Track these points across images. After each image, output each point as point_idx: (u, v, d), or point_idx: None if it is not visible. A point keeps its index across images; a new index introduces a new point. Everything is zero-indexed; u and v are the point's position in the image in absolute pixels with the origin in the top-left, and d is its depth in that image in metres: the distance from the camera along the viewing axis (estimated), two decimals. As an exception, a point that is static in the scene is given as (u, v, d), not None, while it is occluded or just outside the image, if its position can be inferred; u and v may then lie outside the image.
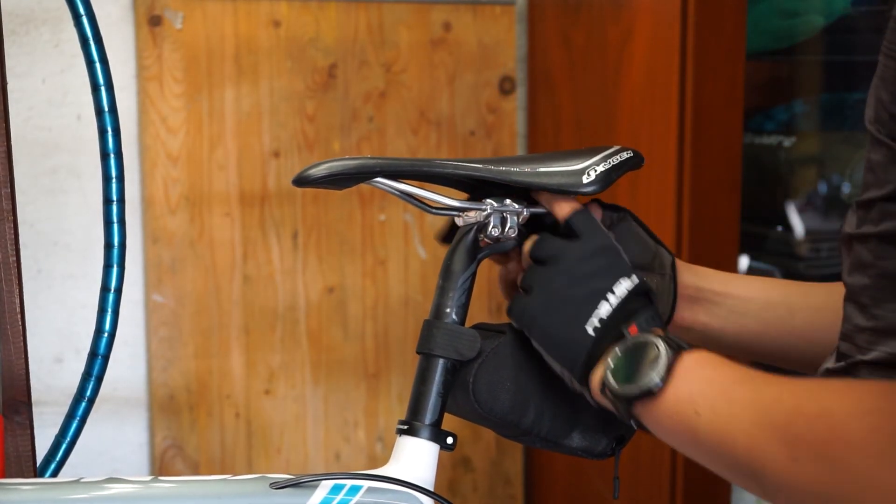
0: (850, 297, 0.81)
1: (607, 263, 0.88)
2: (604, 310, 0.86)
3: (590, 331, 0.86)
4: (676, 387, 0.78)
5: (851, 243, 0.81)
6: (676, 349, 0.80)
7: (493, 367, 0.93)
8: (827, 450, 0.66)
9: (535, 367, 0.94)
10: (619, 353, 0.83)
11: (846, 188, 1.93)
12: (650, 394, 0.79)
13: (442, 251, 0.98)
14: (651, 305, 0.87)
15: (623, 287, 0.87)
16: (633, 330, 0.85)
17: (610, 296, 0.86)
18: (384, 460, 0.93)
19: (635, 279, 0.88)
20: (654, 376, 0.79)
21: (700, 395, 0.76)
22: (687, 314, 1.00)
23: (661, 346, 0.80)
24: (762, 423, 0.71)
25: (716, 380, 0.77)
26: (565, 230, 0.92)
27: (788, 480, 0.70)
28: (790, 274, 1.95)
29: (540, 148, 2.03)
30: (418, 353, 0.95)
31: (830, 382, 0.71)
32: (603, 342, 0.85)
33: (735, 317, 1.00)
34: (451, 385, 0.94)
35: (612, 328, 0.86)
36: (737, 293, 1.01)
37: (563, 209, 0.93)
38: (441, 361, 0.93)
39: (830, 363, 0.83)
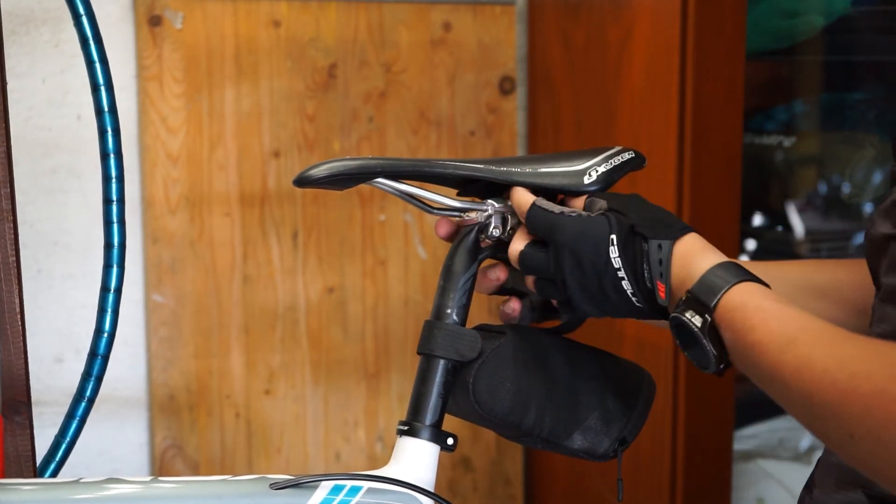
0: (890, 298, 0.80)
1: (590, 247, 0.86)
2: (628, 287, 0.85)
3: (638, 304, 0.86)
4: (734, 355, 0.78)
5: (889, 244, 0.80)
6: (709, 315, 0.78)
7: (494, 368, 0.93)
8: (883, 432, 0.65)
9: (537, 368, 0.94)
10: (674, 334, 0.82)
11: (846, 188, 1.93)
12: (717, 364, 0.79)
13: (442, 251, 0.98)
14: (644, 240, 0.85)
15: (615, 255, 0.85)
16: (660, 289, 0.83)
17: (620, 273, 0.85)
18: (384, 460, 0.93)
19: (612, 235, 0.86)
20: (708, 361, 0.79)
21: (753, 366, 0.76)
22: None
23: (695, 327, 0.78)
24: (814, 398, 0.69)
25: (759, 344, 0.74)
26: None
27: (845, 453, 0.69)
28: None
29: (540, 148, 2.03)
30: (419, 353, 0.95)
31: (883, 354, 0.68)
32: (653, 302, 0.85)
33: None
34: (452, 386, 0.93)
35: (645, 287, 0.85)
36: None
37: (521, 208, 0.92)
38: (442, 362, 0.93)
39: None
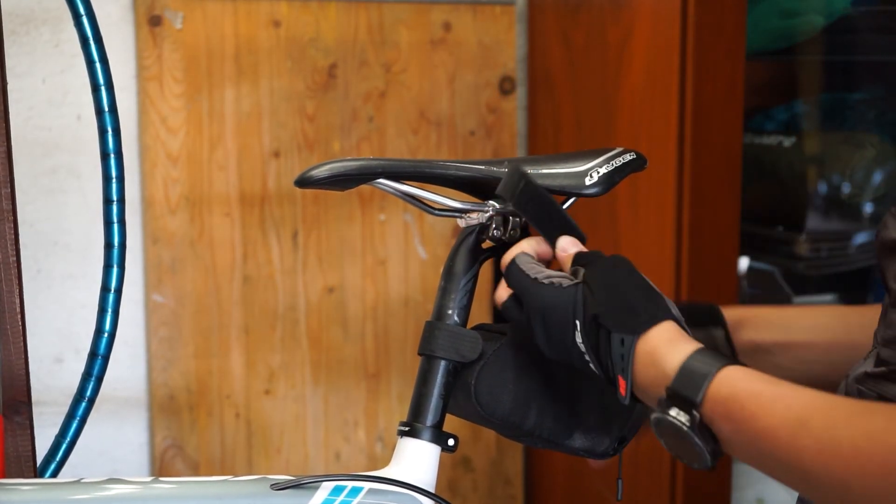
0: (894, 304, 0.79)
1: (558, 322, 0.83)
2: (596, 370, 0.82)
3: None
4: (733, 446, 0.72)
5: (889, 250, 0.80)
6: (696, 411, 0.72)
7: (495, 369, 0.93)
8: None
9: (537, 369, 0.94)
10: (657, 434, 0.76)
11: (846, 188, 1.92)
12: (712, 458, 0.73)
13: (442, 251, 0.98)
14: (607, 331, 0.80)
15: (580, 340, 0.81)
16: (621, 385, 0.78)
17: (586, 357, 0.82)
18: (384, 460, 0.93)
19: (577, 321, 0.81)
20: (703, 459, 0.73)
21: (761, 455, 0.70)
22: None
23: (683, 426, 0.72)
24: (849, 480, 0.64)
25: (768, 431, 0.69)
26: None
27: None
28: (790, 274, 1.94)
29: (540, 148, 2.03)
30: (420, 354, 0.95)
31: (891, 419, 0.64)
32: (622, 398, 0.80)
33: (800, 365, 0.96)
34: (452, 387, 0.94)
35: (611, 379, 0.81)
36: (798, 341, 0.96)
37: (504, 261, 0.90)
38: (442, 363, 0.93)
39: (868, 367, 0.81)
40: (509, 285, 0.89)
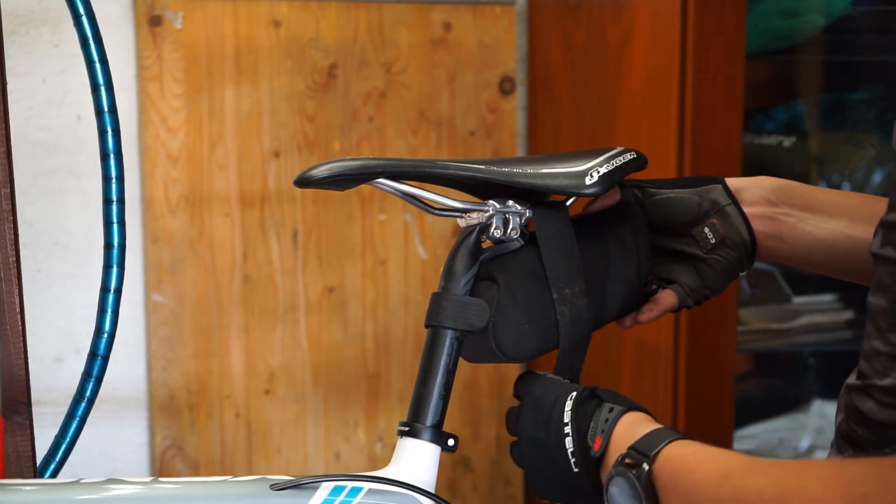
0: (871, 317, 0.80)
1: (549, 394, 0.90)
2: (570, 445, 0.87)
3: (575, 467, 0.87)
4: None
5: (874, 262, 0.80)
6: (647, 465, 0.79)
7: (506, 325, 0.92)
8: None
9: (540, 289, 0.94)
10: (606, 498, 0.83)
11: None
12: None
13: (442, 251, 0.97)
14: (599, 402, 0.88)
15: (568, 408, 0.88)
16: (597, 441, 0.86)
17: (566, 428, 0.88)
18: (384, 460, 0.93)
19: (573, 392, 0.89)
20: None
21: None
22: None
23: (630, 474, 0.80)
24: None
25: (698, 484, 0.76)
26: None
27: None
28: (790, 273, 1.95)
29: (540, 148, 2.03)
30: (427, 326, 0.93)
31: (813, 470, 0.70)
32: (587, 464, 0.87)
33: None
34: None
35: (585, 444, 0.87)
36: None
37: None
38: (449, 334, 0.92)
39: (852, 379, 0.83)
40: (516, 393, 0.95)
